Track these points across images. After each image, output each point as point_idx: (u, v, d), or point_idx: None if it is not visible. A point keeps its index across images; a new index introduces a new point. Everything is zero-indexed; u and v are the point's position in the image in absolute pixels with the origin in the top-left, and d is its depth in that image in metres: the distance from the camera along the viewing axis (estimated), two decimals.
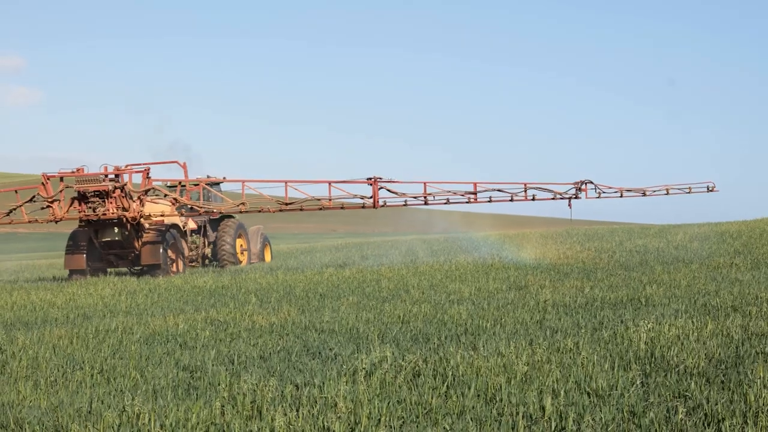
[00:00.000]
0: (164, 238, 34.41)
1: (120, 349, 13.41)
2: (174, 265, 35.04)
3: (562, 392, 8.89)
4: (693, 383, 9.08)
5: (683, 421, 7.93)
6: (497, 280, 21.56)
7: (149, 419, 8.54)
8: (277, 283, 24.39)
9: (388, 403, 8.71)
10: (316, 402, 8.95)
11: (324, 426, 8.18)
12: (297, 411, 8.64)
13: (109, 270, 35.56)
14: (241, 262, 39.43)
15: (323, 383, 9.66)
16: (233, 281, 25.64)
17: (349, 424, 8.22)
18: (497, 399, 8.90)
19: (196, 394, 9.82)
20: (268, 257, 43.39)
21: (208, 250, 39.59)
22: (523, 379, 9.63)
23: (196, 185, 35.78)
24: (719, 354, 10.53)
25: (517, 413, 8.32)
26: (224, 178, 37.16)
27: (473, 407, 8.61)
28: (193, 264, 38.11)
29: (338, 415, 8.44)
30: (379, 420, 8.30)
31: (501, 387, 9.24)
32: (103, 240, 34.50)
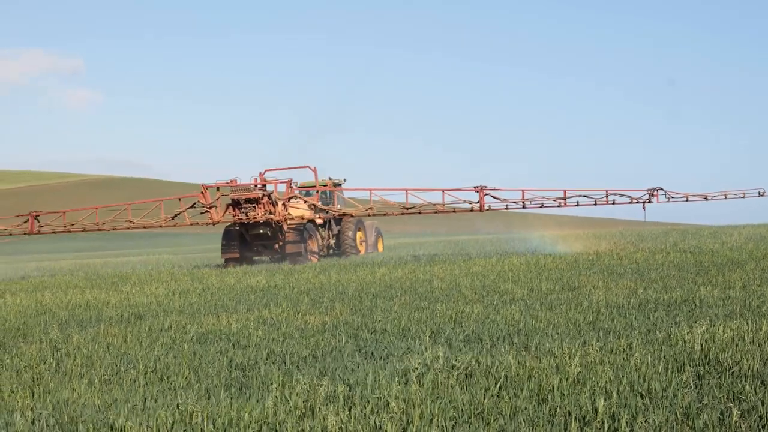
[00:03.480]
0: (303, 232, 40.53)
1: (173, 348, 13.50)
2: (310, 254, 40.94)
3: (614, 393, 8.84)
4: (747, 385, 8.99)
5: (737, 424, 7.86)
6: (550, 281, 21.47)
7: (202, 418, 8.59)
8: (329, 283, 24.45)
9: (440, 404, 8.70)
10: (368, 402, 8.96)
11: (376, 426, 8.18)
12: (349, 411, 8.66)
13: (255, 258, 42.68)
14: (360, 251, 45.34)
15: (375, 383, 9.67)
16: (286, 281, 25.74)
17: (401, 424, 8.22)
18: (550, 400, 8.87)
19: (249, 393, 9.86)
20: (380, 248, 49.53)
21: (332, 242, 45.53)
22: (576, 380, 9.58)
23: (325, 186, 43.44)
24: None
25: (570, 414, 8.28)
26: (344, 179, 45.76)
27: (525, 408, 8.58)
28: (320, 253, 43.17)
29: (390, 415, 8.45)
30: (432, 420, 8.29)
31: (553, 388, 9.20)
32: (253, 233, 40.97)
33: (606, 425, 7.97)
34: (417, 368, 10.27)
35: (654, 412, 8.22)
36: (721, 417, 8.08)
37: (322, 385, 9.55)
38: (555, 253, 33.40)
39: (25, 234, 41.32)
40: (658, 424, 7.91)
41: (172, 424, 8.52)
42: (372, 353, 12.15)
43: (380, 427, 8.15)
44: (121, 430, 8.51)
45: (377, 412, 8.60)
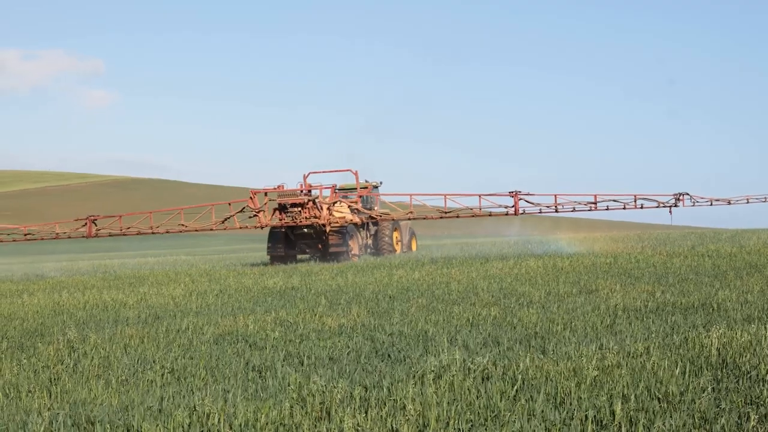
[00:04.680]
0: (345, 234, 42.63)
1: (190, 349, 13.52)
2: (351, 254, 42.98)
3: (632, 397, 8.82)
4: (765, 390, 8.96)
5: (755, 428, 7.83)
6: (567, 284, 21.42)
7: (219, 419, 8.60)
8: (346, 284, 24.45)
9: (457, 406, 8.69)
10: (384, 404, 8.96)
11: (393, 428, 8.18)
12: (366, 413, 8.66)
13: (299, 256, 45.14)
14: (396, 251, 48.05)
15: (392, 385, 9.66)
16: (303, 282, 25.75)
17: (417, 427, 8.22)
18: (567, 403, 8.85)
19: (266, 395, 9.86)
20: (414, 247, 51.82)
21: (369, 242, 47.72)
22: (593, 383, 9.55)
23: (364, 188, 46.29)
24: None
25: (587, 418, 8.27)
26: (380, 182, 47.90)
27: (542, 411, 8.57)
28: (359, 254, 44.89)
29: (407, 417, 8.44)
30: (448, 423, 8.29)
31: (570, 391, 9.18)
32: (298, 233, 43.48)
33: (624, 429, 7.96)
34: (434, 370, 10.27)
35: (671, 416, 8.20)
36: (738, 421, 8.06)
37: (338, 386, 9.55)
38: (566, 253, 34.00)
39: (83, 237, 43.77)
40: (675, 428, 7.89)
41: (189, 425, 8.54)
42: (389, 355, 12.16)
43: (397, 430, 8.15)
44: (138, 430, 8.53)
45: (394, 414, 8.60)
